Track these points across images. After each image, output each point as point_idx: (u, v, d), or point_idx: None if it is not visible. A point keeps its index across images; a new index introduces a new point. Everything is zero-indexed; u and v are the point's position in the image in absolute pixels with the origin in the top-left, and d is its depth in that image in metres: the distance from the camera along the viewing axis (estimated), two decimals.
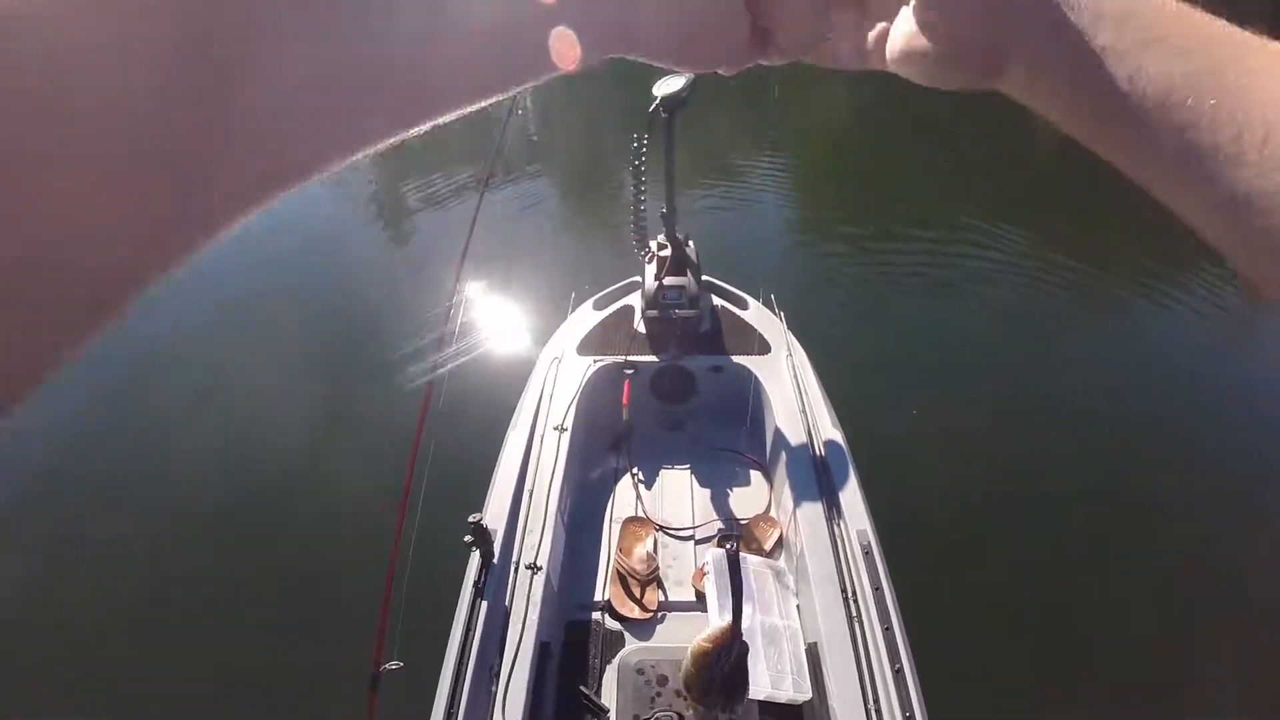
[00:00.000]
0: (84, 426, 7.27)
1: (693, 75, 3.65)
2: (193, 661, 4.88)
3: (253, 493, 6.35)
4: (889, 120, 14.75)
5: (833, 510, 3.11)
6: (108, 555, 5.84)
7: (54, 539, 6.20)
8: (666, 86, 3.58)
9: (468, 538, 2.81)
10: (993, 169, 13.50)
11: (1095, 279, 9.28)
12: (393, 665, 2.48)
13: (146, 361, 7.96)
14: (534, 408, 3.72)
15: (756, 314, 4.34)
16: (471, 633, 2.64)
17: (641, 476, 3.75)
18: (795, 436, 3.50)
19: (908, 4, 0.48)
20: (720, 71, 0.54)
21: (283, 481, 6.34)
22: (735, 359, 4.02)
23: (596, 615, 3.07)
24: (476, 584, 2.80)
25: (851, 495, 3.16)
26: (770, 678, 2.63)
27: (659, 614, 3.09)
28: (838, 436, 3.47)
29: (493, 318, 7.49)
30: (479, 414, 5.19)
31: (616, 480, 3.75)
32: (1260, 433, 6.34)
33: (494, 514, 3.09)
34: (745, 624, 2.65)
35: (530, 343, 4.88)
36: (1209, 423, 6.51)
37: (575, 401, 3.78)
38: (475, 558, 2.87)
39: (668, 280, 4.03)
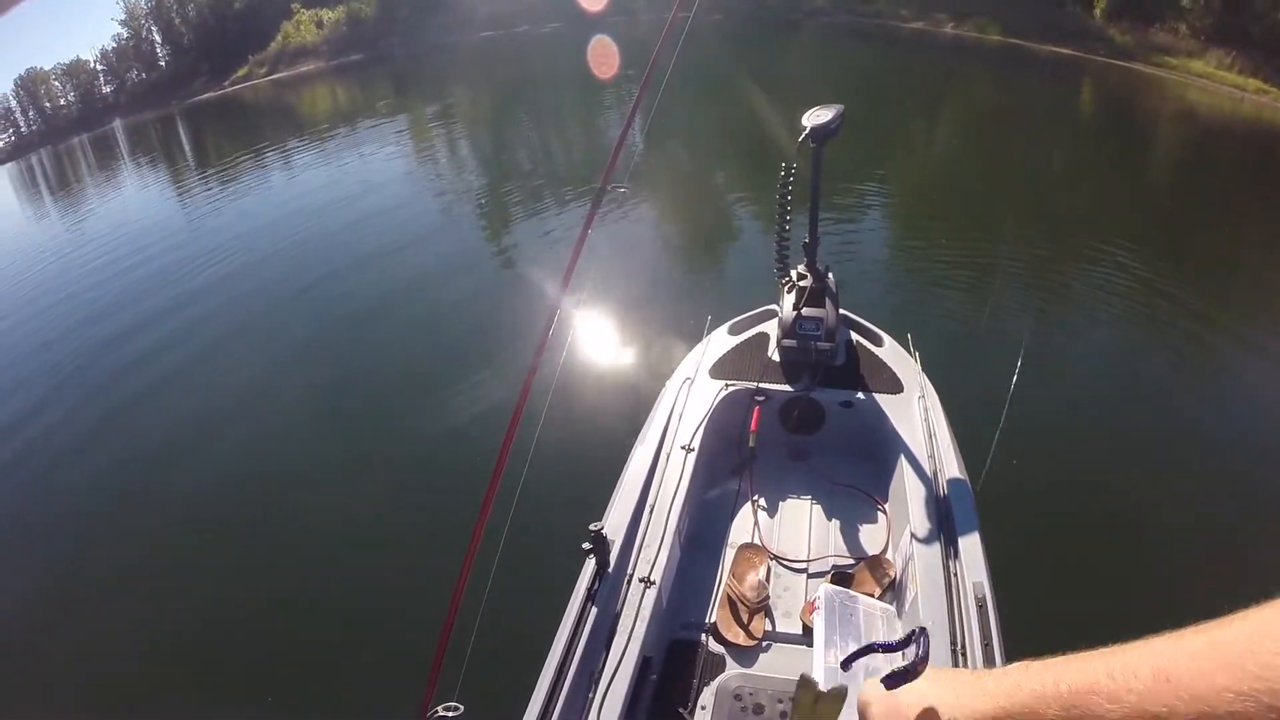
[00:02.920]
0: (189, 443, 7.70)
1: (842, 107, 3.66)
2: (237, 693, 5.07)
3: (317, 497, 6.58)
4: (1034, 161, 14.51)
5: (950, 558, 3.04)
6: (171, 579, 6.12)
7: (119, 554, 6.55)
8: (816, 117, 3.59)
9: (585, 545, 2.85)
10: (1140, 204, 13.24)
11: (1229, 333, 9.02)
12: (450, 711, 2.17)
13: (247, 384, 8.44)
14: (663, 425, 3.75)
15: (891, 352, 4.29)
16: (577, 637, 2.67)
17: (762, 504, 3.74)
18: (920, 479, 3.44)
19: None
20: None
21: (351, 489, 6.54)
22: (866, 395, 3.98)
23: (702, 636, 3.07)
24: (589, 590, 2.84)
25: (971, 544, 3.08)
26: None
27: (764, 643, 3.07)
28: (964, 483, 3.40)
29: (626, 336, 7.58)
30: (608, 424, 5.26)
31: (736, 505, 3.75)
32: None
33: (613, 525, 3.13)
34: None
35: (665, 361, 4.93)
36: None
37: (704, 423, 3.80)
38: (590, 565, 2.91)
39: (806, 311, 4.02)
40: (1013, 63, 32.29)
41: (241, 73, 47.56)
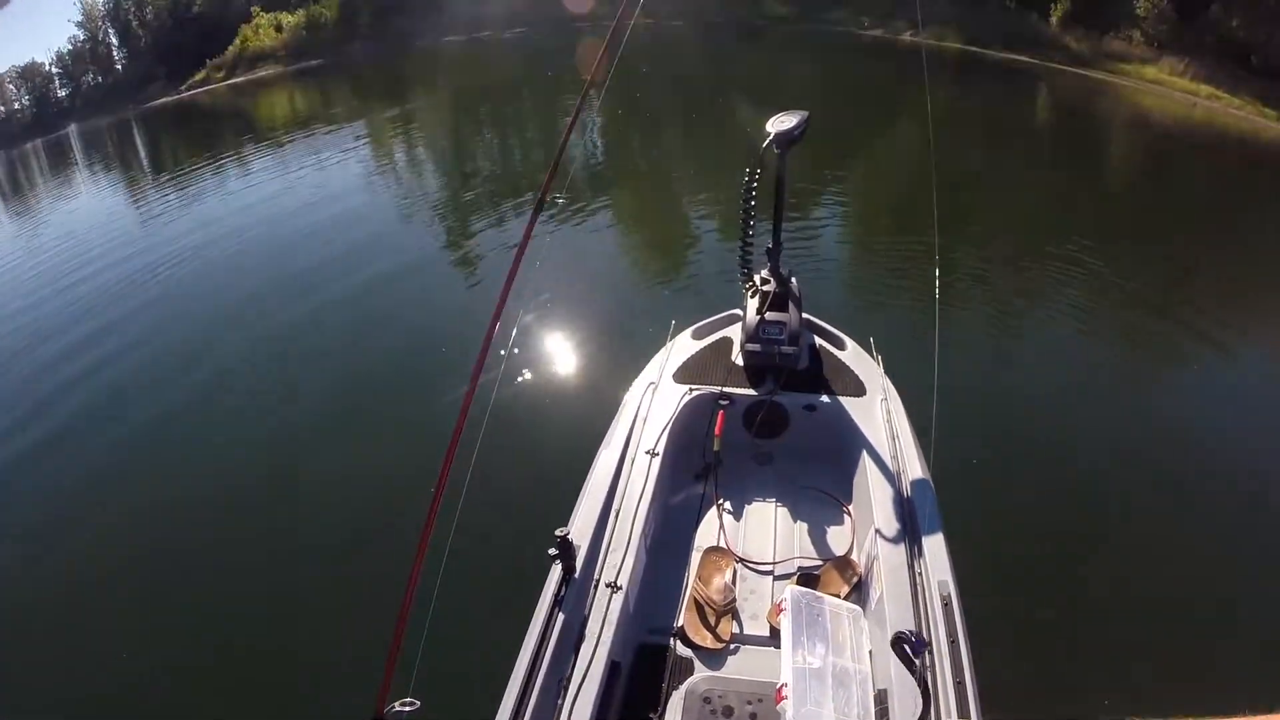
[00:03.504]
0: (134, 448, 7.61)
1: (806, 113, 3.68)
2: (190, 682, 5.03)
3: (268, 502, 6.54)
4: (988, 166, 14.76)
5: (915, 558, 3.07)
6: (140, 573, 6.06)
7: (78, 550, 6.47)
8: (780, 123, 3.62)
9: (551, 550, 2.85)
10: (1096, 207, 13.56)
11: (1183, 325, 9.29)
12: (404, 706, 2.12)
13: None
14: (627, 430, 3.76)
15: (854, 355, 4.33)
16: (545, 643, 2.67)
17: (727, 507, 3.76)
18: (884, 481, 3.47)
19: None
20: None
21: (304, 492, 6.51)
22: (830, 399, 4.01)
23: (669, 640, 3.08)
24: (556, 596, 2.83)
25: (935, 544, 3.11)
26: None
27: (731, 645, 3.08)
28: (927, 484, 3.43)
29: (588, 341, 7.58)
30: (578, 428, 5.28)
31: (702, 509, 3.76)
32: None
33: (579, 530, 3.13)
34: (817, 664, 2.63)
35: (629, 366, 4.95)
36: None
37: (668, 428, 3.81)
38: (556, 570, 2.91)
39: (769, 315, 4.04)
40: (972, 70, 32.66)
41: (199, 77, 46.84)
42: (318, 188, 15.16)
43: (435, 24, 41.33)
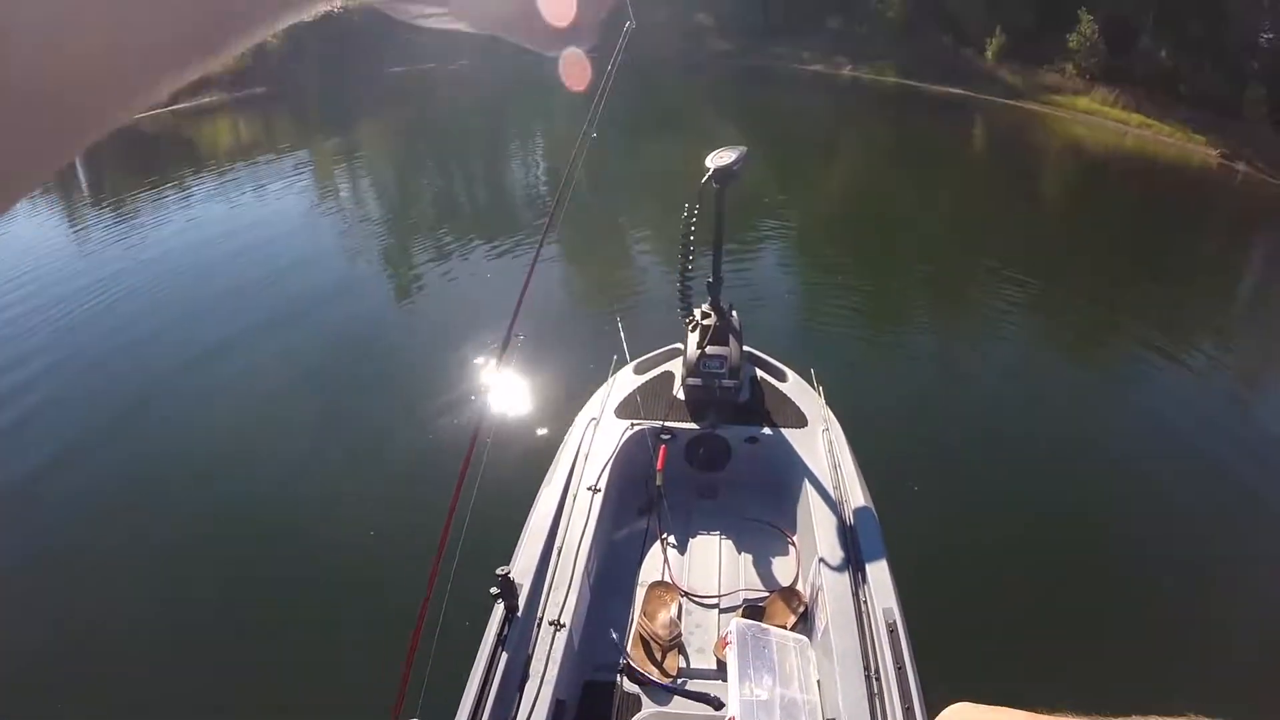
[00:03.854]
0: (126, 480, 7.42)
1: (745, 149, 3.74)
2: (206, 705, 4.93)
3: (283, 536, 6.42)
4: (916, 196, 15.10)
5: (860, 586, 3.10)
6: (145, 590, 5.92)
7: (80, 573, 6.30)
8: (719, 159, 3.66)
9: (494, 589, 2.83)
10: (1032, 234, 13.97)
11: (1105, 339, 9.72)
12: None
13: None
14: (569, 466, 3.75)
15: (795, 387, 4.37)
16: (489, 684, 2.65)
17: (671, 541, 3.76)
18: (827, 511, 3.50)
19: None
20: None
21: (315, 529, 6.40)
22: (772, 431, 4.03)
23: (616, 677, 3.07)
24: (499, 636, 2.81)
25: (879, 572, 3.14)
26: None
27: (679, 680, 3.08)
28: (870, 512, 3.47)
29: (536, 377, 7.56)
30: (517, 469, 5.26)
31: (646, 544, 3.76)
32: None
33: (521, 568, 3.11)
34: (764, 696, 2.65)
35: (570, 402, 4.95)
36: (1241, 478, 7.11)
37: (610, 463, 3.81)
38: (499, 610, 2.88)
39: (710, 349, 4.07)
40: (909, 103, 33.28)
41: None
42: (260, 222, 14.83)
43: (380, 54, 41.25)
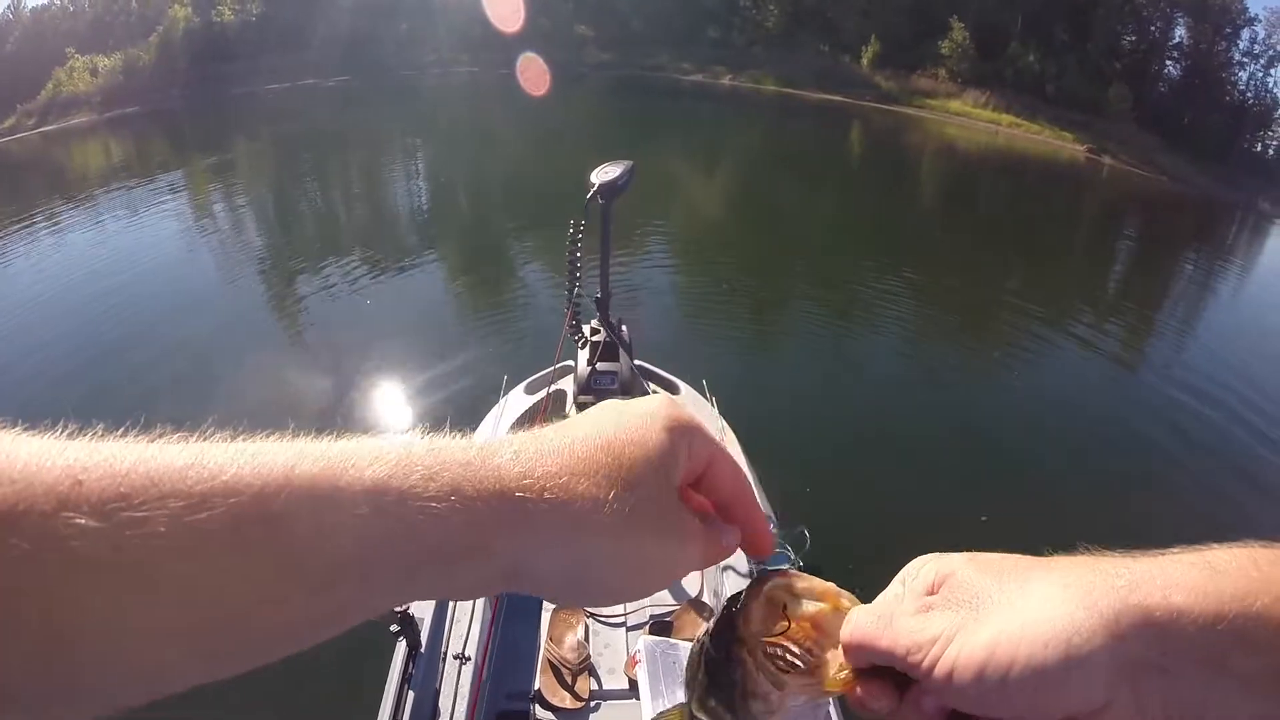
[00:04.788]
0: None
1: (631, 163, 3.72)
2: None
3: None
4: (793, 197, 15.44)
5: None
6: None
7: None
8: (604, 174, 3.63)
9: (393, 627, 2.73)
10: (908, 227, 14.45)
11: (988, 326, 10.14)
12: None
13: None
14: None
15: (689, 398, 4.35)
16: None
17: None
18: None
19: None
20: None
21: None
22: None
23: (528, 706, 3.02)
24: (404, 674, 2.72)
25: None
26: None
27: (592, 703, 3.04)
28: (769, 518, 3.48)
29: (424, 401, 7.40)
30: None
31: None
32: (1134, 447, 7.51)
33: (420, 603, 3.02)
34: None
35: (461, 424, 4.85)
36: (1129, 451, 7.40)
37: None
38: (401, 647, 2.79)
39: (600, 365, 4.03)
40: (788, 110, 33.94)
41: (8, 123, 43.33)
42: (129, 249, 14.06)
43: (256, 70, 40.24)
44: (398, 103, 30.07)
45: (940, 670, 0.45)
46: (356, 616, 0.40)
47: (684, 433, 0.50)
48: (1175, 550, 0.44)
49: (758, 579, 0.53)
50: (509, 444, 0.45)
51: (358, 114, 29.59)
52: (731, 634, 0.50)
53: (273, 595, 0.35)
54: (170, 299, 10.51)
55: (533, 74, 28.35)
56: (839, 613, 0.52)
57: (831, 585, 0.53)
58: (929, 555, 0.55)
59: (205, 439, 0.37)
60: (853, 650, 0.50)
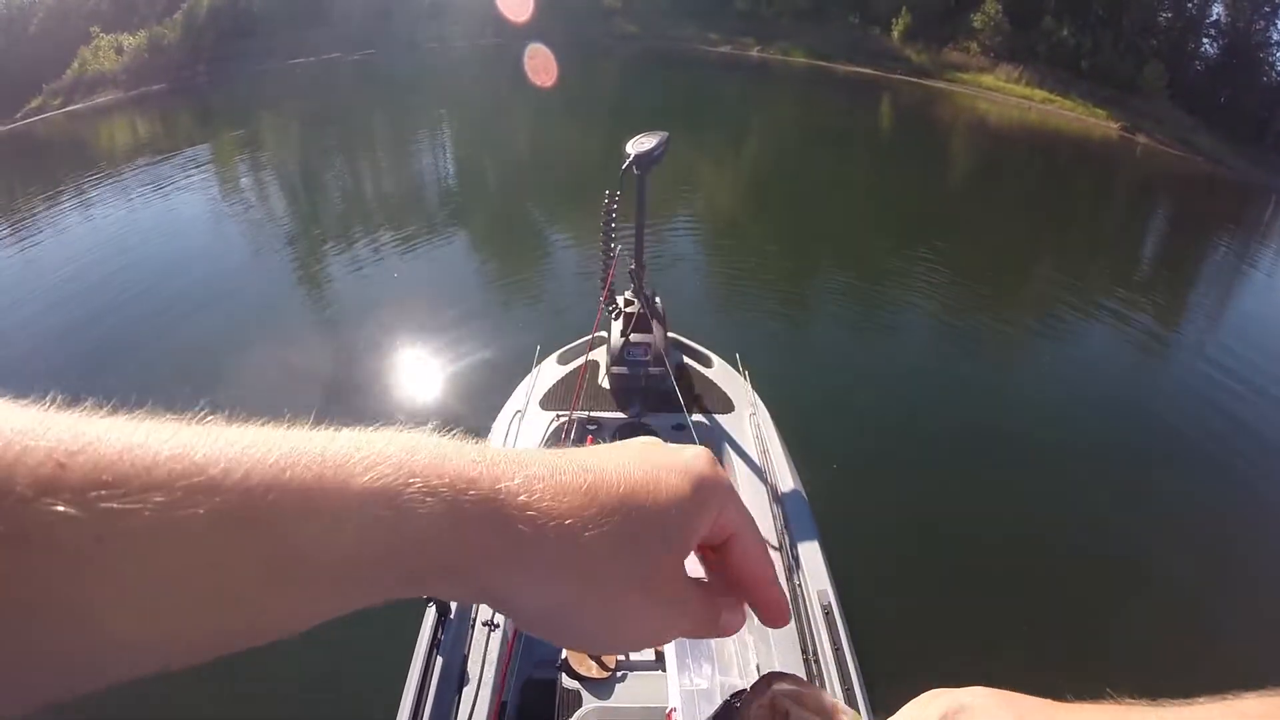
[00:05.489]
0: None
1: (666, 134, 3.69)
2: None
3: None
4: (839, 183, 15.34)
5: (794, 570, 3.07)
6: None
7: None
8: (639, 144, 3.60)
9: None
10: (940, 205, 14.36)
11: (1020, 306, 10.08)
12: None
13: None
14: None
15: (721, 372, 4.33)
16: (426, 690, 2.57)
17: None
18: (757, 494, 3.48)
19: None
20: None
21: None
22: (699, 417, 3.98)
23: (555, 674, 3.02)
24: (433, 639, 2.73)
25: (812, 554, 3.13)
26: None
27: (618, 673, 3.04)
28: (800, 495, 3.46)
29: (458, 371, 7.41)
30: None
31: None
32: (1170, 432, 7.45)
33: None
34: (704, 685, 2.62)
35: (494, 395, 4.83)
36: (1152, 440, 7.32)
37: None
38: (431, 613, 2.80)
39: (634, 337, 4.01)
40: (818, 83, 33.66)
41: (35, 103, 43.73)
42: (161, 227, 14.13)
43: (282, 46, 40.27)
44: (423, 75, 29.99)
45: None
46: (326, 617, 0.38)
47: (715, 500, 0.48)
48: (1203, 701, 0.42)
49: (764, 678, 0.51)
50: (520, 468, 0.42)
51: (383, 87, 29.57)
52: None
53: (249, 597, 0.34)
54: (199, 273, 10.58)
55: (540, 65, 28.14)
56: None
57: (839, 703, 0.50)
58: (940, 689, 0.55)
59: (201, 423, 0.36)
60: None
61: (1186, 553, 5.64)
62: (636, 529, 0.43)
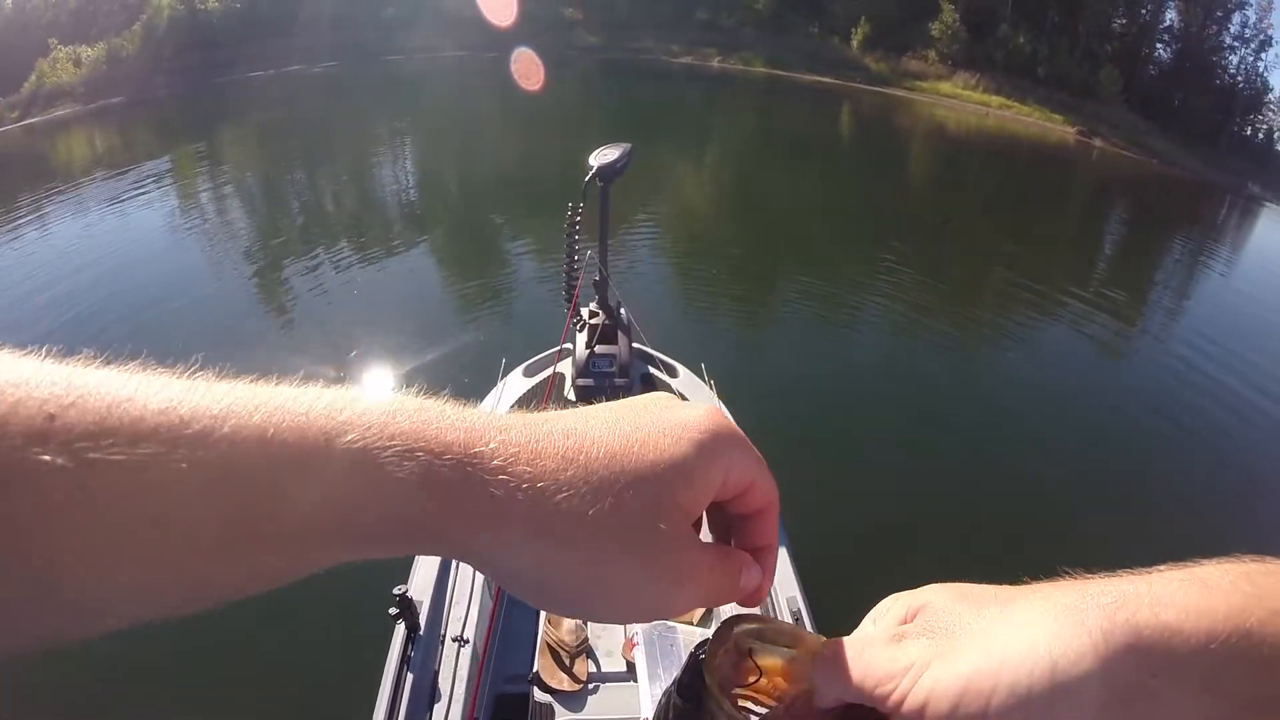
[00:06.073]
0: None
1: (629, 145, 3.70)
2: None
3: None
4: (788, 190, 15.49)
5: None
6: None
7: None
8: (602, 156, 3.61)
9: (392, 610, 2.72)
10: (900, 210, 14.56)
11: (980, 306, 10.27)
12: None
13: None
14: None
15: (687, 382, 4.34)
16: (397, 707, 2.56)
17: None
18: None
19: None
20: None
21: None
22: None
23: (527, 688, 3.01)
24: (403, 656, 2.71)
25: (781, 561, 3.13)
26: None
27: (590, 685, 3.03)
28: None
29: (422, 385, 7.33)
30: None
31: None
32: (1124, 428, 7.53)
33: (419, 585, 3.00)
34: None
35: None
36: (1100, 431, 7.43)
37: None
38: (400, 630, 2.77)
39: (599, 348, 4.02)
40: (778, 92, 33.90)
41: None
42: (118, 244, 13.87)
43: (243, 57, 39.93)
44: (385, 87, 29.87)
45: (913, 702, 0.41)
46: (305, 572, 0.39)
47: (723, 452, 0.45)
48: (1163, 568, 0.41)
49: (724, 623, 0.48)
50: (498, 431, 0.41)
51: (344, 99, 29.38)
52: (700, 684, 0.46)
53: (230, 553, 0.35)
54: (155, 289, 10.38)
55: (525, 68, 28.23)
56: (811, 658, 0.48)
57: (803, 630, 0.48)
58: (898, 593, 0.51)
59: (191, 377, 0.37)
60: (821, 687, 0.46)
61: (1151, 540, 5.72)
62: (619, 492, 0.41)
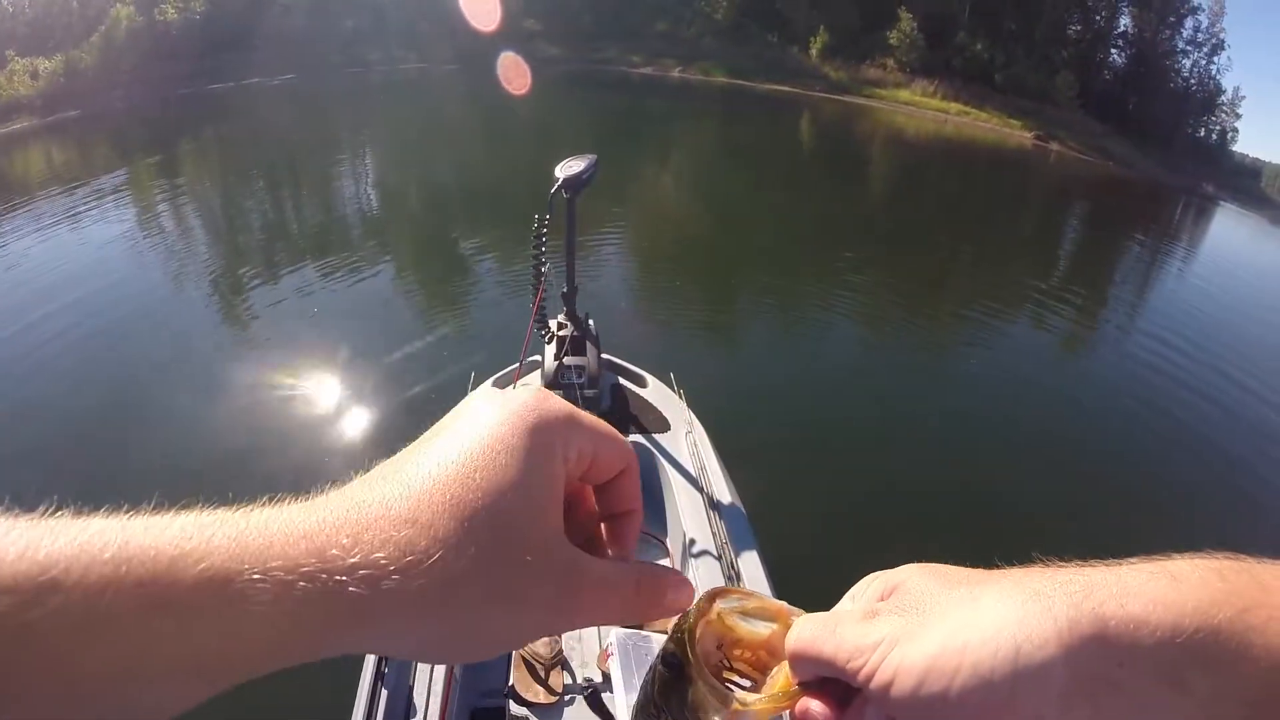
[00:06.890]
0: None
1: (594, 157, 3.71)
2: None
3: None
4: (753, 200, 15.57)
5: (735, 582, 3.09)
6: None
7: None
8: (568, 168, 3.62)
9: None
10: (862, 216, 14.68)
11: (942, 309, 10.45)
12: None
13: None
14: None
15: (656, 391, 4.35)
16: None
17: None
18: (696, 512, 3.50)
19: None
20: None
21: None
22: (636, 437, 4.00)
23: (503, 702, 3.00)
24: (377, 672, 2.70)
25: (753, 567, 3.14)
26: None
27: (566, 697, 3.02)
28: (738, 509, 3.48)
29: (391, 401, 7.29)
30: None
31: None
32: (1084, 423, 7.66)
33: None
34: None
35: (428, 424, 4.76)
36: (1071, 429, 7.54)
37: None
38: None
39: (568, 360, 4.02)
40: (739, 101, 34.06)
41: None
42: (68, 257, 13.37)
43: (201, 70, 39.59)
44: (345, 100, 29.70)
45: (880, 677, 0.42)
46: (188, 705, 0.38)
47: (552, 443, 0.44)
48: (1134, 560, 0.42)
49: (706, 597, 0.49)
50: (345, 524, 0.40)
51: (304, 112, 29.19)
52: (682, 658, 0.47)
53: (96, 693, 0.35)
54: (112, 308, 10.16)
55: (512, 73, 28.27)
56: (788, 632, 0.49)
57: (784, 604, 0.50)
58: (877, 572, 0.53)
59: (49, 516, 0.37)
60: (796, 660, 0.47)
61: (1122, 532, 5.79)
62: (474, 541, 0.41)
